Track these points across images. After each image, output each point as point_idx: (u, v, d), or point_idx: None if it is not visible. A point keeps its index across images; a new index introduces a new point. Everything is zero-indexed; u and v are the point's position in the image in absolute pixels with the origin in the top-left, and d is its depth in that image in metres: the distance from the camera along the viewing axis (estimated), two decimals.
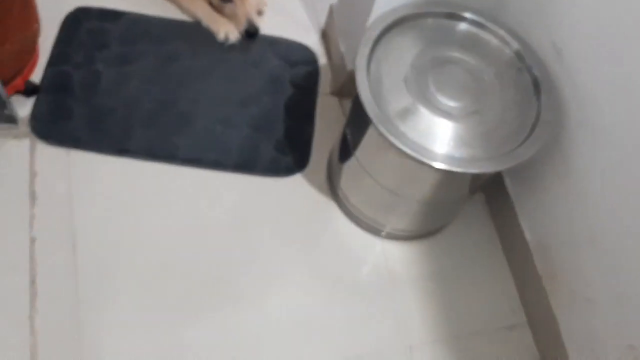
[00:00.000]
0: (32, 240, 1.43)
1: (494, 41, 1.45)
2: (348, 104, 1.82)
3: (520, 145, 1.30)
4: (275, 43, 1.92)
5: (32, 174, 1.53)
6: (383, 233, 1.59)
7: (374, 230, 1.60)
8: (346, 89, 1.81)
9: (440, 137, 1.29)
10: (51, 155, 1.57)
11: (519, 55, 1.42)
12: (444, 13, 1.45)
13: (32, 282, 1.38)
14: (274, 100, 1.79)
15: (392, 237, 1.60)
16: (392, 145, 1.26)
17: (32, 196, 1.50)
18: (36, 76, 1.70)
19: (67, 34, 1.79)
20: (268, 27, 1.93)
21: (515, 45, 1.43)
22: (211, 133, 1.70)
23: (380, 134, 1.27)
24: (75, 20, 1.83)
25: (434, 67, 1.37)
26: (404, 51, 1.39)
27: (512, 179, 1.60)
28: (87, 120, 1.65)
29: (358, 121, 1.41)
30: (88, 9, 1.86)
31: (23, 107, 1.64)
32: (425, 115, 1.30)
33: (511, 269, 1.58)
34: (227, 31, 1.87)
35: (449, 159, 1.26)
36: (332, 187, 1.65)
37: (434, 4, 1.46)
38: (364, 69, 1.34)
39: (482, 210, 1.67)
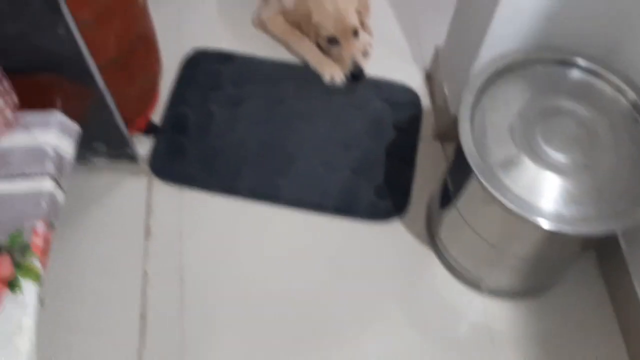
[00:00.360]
0: (145, 274, 1.52)
1: (608, 90, 1.37)
2: (451, 147, 1.79)
3: (638, 202, 1.22)
4: (379, 85, 1.93)
5: (148, 210, 1.63)
6: (484, 288, 1.54)
7: (474, 284, 1.54)
8: (449, 132, 1.78)
9: (546, 192, 1.24)
10: (166, 193, 1.67)
11: (635, 105, 1.34)
12: (555, 59, 1.40)
13: (143, 316, 1.46)
14: (375, 142, 1.80)
15: (494, 293, 1.54)
16: (495, 199, 1.22)
17: (147, 231, 1.60)
18: (156, 116, 1.81)
19: (185, 75, 1.91)
20: (373, 68, 1.96)
21: (631, 94, 1.35)
22: (313, 175, 1.73)
23: (483, 187, 1.24)
24: (193, 62, 1.94)
25: (542, 116, 1.32)
26: (510, 99, 1.35)
27: (626, 236, 1.50)
28: (200, 160, 1.73)
29: (460, 170, 1.38)
30: (205, 51, 1.97)
31: (143, 145, 1.76)
32: (531, 168, 1.26)
33: (623, 334, 1.47)
34: (333, 73, 1.91)
35: (557, 217, 1.20)
36: (431, 236, 1.62)
37: (544, 50, 1.41)
38: (468, 119, 1.32)
39: (592, 269, 1.56)
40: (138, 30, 1.55)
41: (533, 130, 1.30)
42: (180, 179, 1.70)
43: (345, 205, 1.68)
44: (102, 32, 1.40)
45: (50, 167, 1.28)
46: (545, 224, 1.19)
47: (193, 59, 1.95)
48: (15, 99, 1.32)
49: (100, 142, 1.59)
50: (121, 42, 1.48)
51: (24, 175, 1.27)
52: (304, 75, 1.94)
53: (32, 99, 1.34)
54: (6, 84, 1.29)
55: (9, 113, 1.31)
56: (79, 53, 1.28)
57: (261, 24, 2.04)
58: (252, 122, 1.82)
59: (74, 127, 1.38)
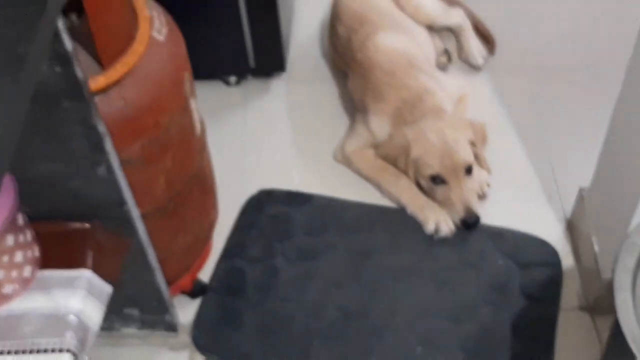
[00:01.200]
0: None
1: None
2: (606, 323, 1.68)
3: None
4: (500, 236, 1.88)
5: None
6: None
7: None
8: (602, 303, 1.70)
9: None
10: None
11: None
12: None
13: None
14: (497, 314, 1.72)
15: None
16: None
17: None
18: (205, 273, 1.83)
19: (246, 222, 1.94)
20: (492, 214, 1.92)
21: None
22: (409, 356, 1.66)
23: None
24: (257, 205, 1.98)
25: None
26: None
27: None
28: (258, 331, 1.71)
29: (620, 356, 1.30)
30: (272, 191, 2.02)
31: (186, 310, 1.75)
32: None
33: None
34: (439, 220, 1.88)
35: None
36: None
37: None
38: (628, 287, 1.27)
39: None
40: (193, 170, 1.60)
41: None
42: (232, 356, 1.67)
43: None
44: (151, 172, 1.45)
45: (71, 339, 1.27)
46: None
47: (257, 201, 1.99)
48: (37, 252, 1.35)
49: (133, 308, 1.60)
50: (172, 185, 1.52)
51: (37, 350, 1.26)
52: (400, 222, 1.92)
53: (58, 252, 1.36)
54: (29, 234, 1.32)
55: (27, 269, 1.33)
56: (120, 199, 1.32)
57: (345, 159, 2.07)
58: (329, 283, 1.80)
59: (106, 288, 1.38)
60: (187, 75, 1.48)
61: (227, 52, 2.21)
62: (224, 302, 1.76)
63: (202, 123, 1.63)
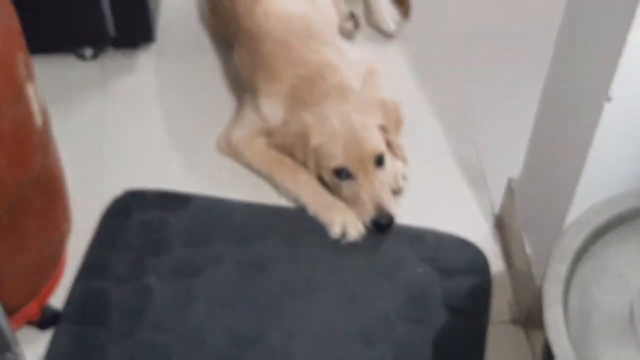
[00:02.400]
0: None
1: None
2: (540, 337, 1.72)
3: None
4: (419, 238, 1.92)
5: None
6: None
7: None
8: (537, 313, 1.72)
9: None
10: None
11: None
12: None
13: None
14: (416, 332, 1.76)
15: None
16: None
17: None
18: (58, 297, 1.79)
19: (108, 232, 1.91)
20: (408, 212, 1.96)
21: None
22: None
23: None
24: (123, 210, 1.96)
25: None
26: (627, 268, 1.35)
27: None
28: None
29: None
30: (141, 192, 2.00)
31: (35, 344, 1.71)
32: None
33: None
34: (346, 222, 1.90)
35: None
36: None
37: None
38: (559, 300, 1.29)
39: None
40: (34, 171, 1.56)
41: None
42: None
43: None
44: None
45: None
46: None
47: (122, 206, 1.97)
48: None
49: None
50: (6, 192, 1.48)
51: None
52: (299, 225, 1.94)
53: None
54: None
55: None
56: None
57: (232, 149, 2.08)
58: (214, 304, 1.79)
59: None
60: (21, 55, 1.44)
61: (79, 18, 2.17)
62: (81, 332, 1.74)
63: (44, 112, 1.59)
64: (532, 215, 1.78)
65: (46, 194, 1.64)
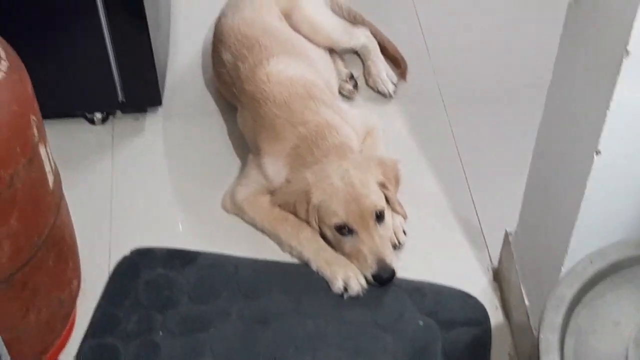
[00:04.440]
0: None
1: None
2: None
3: None
4: (419, 292, 1.92)
5: None
6: None
7: None
8: None
9: None
10: None
11: None
12: None
13: None
14: None
15: None
16: None
17: None
18: (68, 354, 1.78)
19: (117, 290, 1.91)
20: (409, 265, 1.96)
21: None
22: None
23: None
24: (131, 269, 1.96)
25: None
26: (621, 316, 1.33)
27: None
28: None
29: None
30: (149, 250, 2.00)
31: None
32: None
33: None
34: (348, 276, 1.90)
35: None
36: None
37: None
38: (555, 348, 1.28)
39: None
40: (47, 231, 1.57)
41: None
42: None
43: None
44: None
45: None
46: None
47: (130, 264, 1.97)
48: None
49: None
50: (20, 251, 1.49)
51: None
52: (303, 281, 1.94)
53: None
54: None
55: None
56: None
57: (236, 208, 2.08)
58: (221, 358, 1.79)
59: None
60: (34, 118, 1.46)
61: (89, 84, 2.20)
62: None
63: (56, 174, 1.61)
64: (529, 267, 1.78)
65: (57, 253, 1.65)
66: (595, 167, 1.36)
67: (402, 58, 2.47)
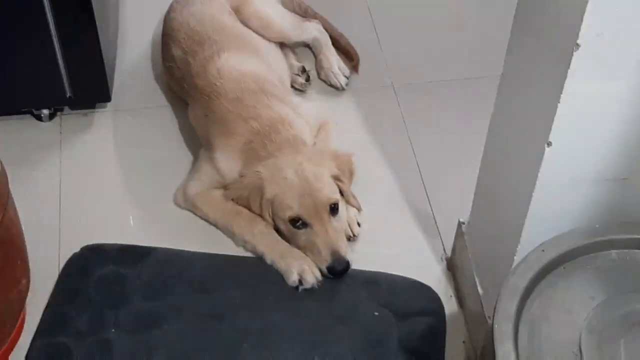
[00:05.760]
0: None
1: None
2: None
3: None
4: (374, 282, 1.92)
5: None
6: None
7: None
8: (490, 352, 1.70)
9: None
10: None
11: None
12: (636, 240, 1.42)
13: None
14: None
15: None
16: None
17: None
18: (18, 355, 1.75)
19: (68, 288, 1.88)
20: (363, 257, 1.96)
21: None
22: None
23: None
24: (82, 266, 1.93)
25: (625, 328, 1.31)
26: (574, 304, 1.35)
27: None
28: None
29: None
30: (101, 247, 1.97)
31: None
32: None
33: None
34: (303, 269, 1.90)
35: None
36: None
37: (620, 229, 1.44)
38: (509, 337, 1.30)
39: None
40: None
41: (614, 351, 1.28)
42: None
43: None
44: None
45: None
46: None
47: (81, 261, 1.94)
48: None
49: None
50: None
51: None
52: (257, 274, 1.93)
53: None
54: None
55: None
56: None
57: (189, 203, 2.07)
58: (175, 355, 1.77)
59: None
60: None
61: (36, 80, 2.16)
62: None
63: (2, 172, 1.57)
64: (482, 256, 1.79)
65: (5, 252, 1.62)
66: (546, 158, 1.37)
67: (354, 51, 2.48)
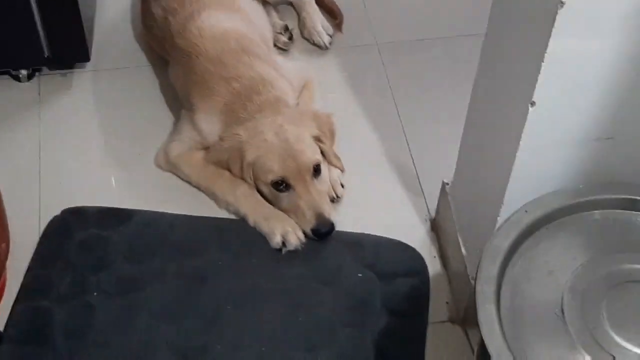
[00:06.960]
0: None
1: None
2: (478, 335, 1.75)
3: None
4: (358, 244, 1.93)
5: None
6: None
7: None
8: (473, 313, 1.73)
9: None
10: None
11: None
12: (620, 201, 1.42)
13: None
14: (357, 336, 1.76)
15: None
16: None
17: None
18: None
19: (49, 251, 1.88)
20: (347, 218, 1.96)
21: None
22: None
23: None
24: (63, 229, 1.92)
25: (607, 288, 1.31)
26: (556, 265, 1.36)
27: None
28: None
29: None
30: (81, 210, 1.97)
31: None
32: None
33: None
34: (286, 231, 1.90)
35: None
36: None
37: (604, 189, 1.44)
38: (492, 299, 1.30)
39: None
40: None
41: (596, 311, 1.29)
42: None
43: None
44: None
45: None
46: None
47: (61, 224, 1.94)
48: None
49: None
50: None
51: None
52: (240, 237, 1.93)
53: None
54: None
55: None
56: None
57: (170, 165, 2.06)
58: (157, 318, 1.78)
59: None
60: None
61: (13, 40, 2.13)
62: (24, 353, 1.71)
63: None
64: (466, 217, 1.80)
65: None
66: (530, 118, 1.36)
67: (338, 9, 2.46)
